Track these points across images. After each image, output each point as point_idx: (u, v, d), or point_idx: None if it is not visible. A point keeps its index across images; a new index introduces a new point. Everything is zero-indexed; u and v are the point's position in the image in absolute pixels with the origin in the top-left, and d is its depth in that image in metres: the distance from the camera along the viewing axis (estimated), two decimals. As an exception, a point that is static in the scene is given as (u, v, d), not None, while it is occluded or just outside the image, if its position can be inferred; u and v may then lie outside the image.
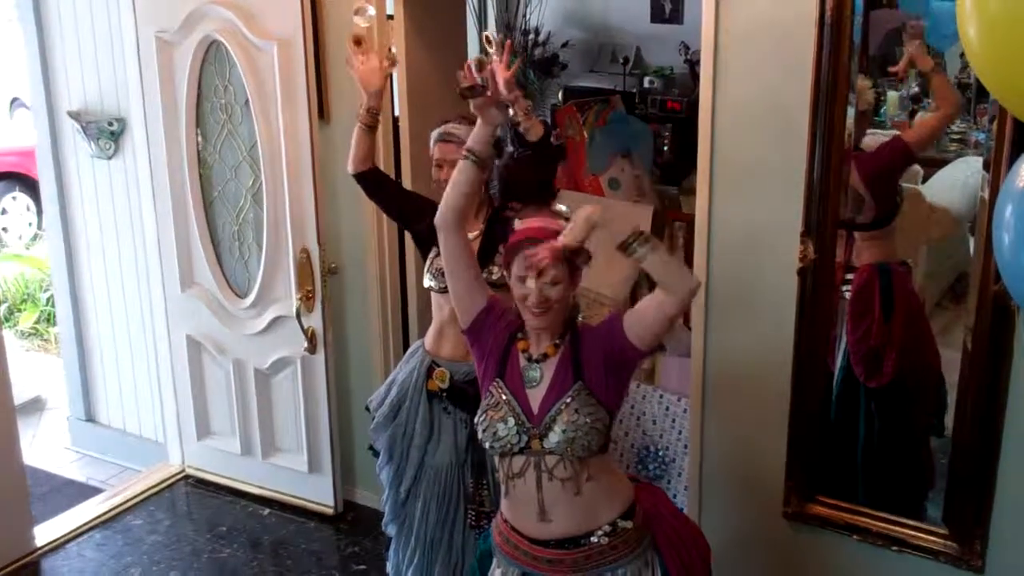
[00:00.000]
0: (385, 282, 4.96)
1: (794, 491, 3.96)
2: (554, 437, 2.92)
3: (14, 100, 11.97)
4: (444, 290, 3.77)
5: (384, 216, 4.67)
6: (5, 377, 4.82)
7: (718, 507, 4.19)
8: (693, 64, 7.58)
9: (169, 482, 5.60)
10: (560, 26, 8.50)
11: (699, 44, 3.86)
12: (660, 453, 4.97)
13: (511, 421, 2.97)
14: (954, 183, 5.66)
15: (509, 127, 3.84)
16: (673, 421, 4.95)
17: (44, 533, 5.12)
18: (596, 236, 3.03)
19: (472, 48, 7.22)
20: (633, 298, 5.66)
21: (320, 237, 4.80)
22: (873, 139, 5.75)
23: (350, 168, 3.94)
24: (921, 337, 4.17)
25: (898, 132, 5.79)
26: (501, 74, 2.99)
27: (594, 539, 2.98)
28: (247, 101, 4.84)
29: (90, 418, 6.12)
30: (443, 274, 3.72)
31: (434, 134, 3.87)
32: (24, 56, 5.73)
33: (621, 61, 8.06)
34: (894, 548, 3.78)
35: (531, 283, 2.91)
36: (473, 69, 3.02)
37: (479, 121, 2.99)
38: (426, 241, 3.90)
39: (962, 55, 6.66)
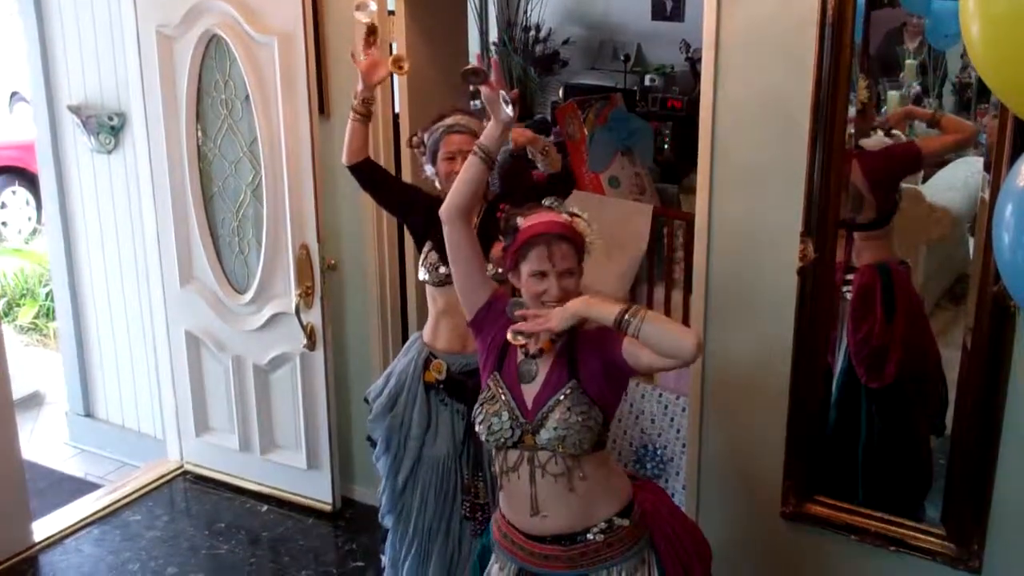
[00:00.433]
0: (384, 278, 4.95)
1: (792, 491, 3.96)
2: (546, 434, 2.92)
3: (14, 94, 11.96)
4: (438, 283, 3.81)
5: (384, 212, 4.68)
6: (4, 372, 4.81)
7: (716, 506, 4.19)
8: (694, 62, 7.60)
9: (167, 478, 5.59)
10: (561, 23, 8.52)
11: (700, 42, 3.85)
12: (658, 452, 4.97)
13: (505, 415, 2.98)
14: (954, 183, 5.66)
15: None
16: (671, 420, 4.95)
17: (42, 528, 5.11)
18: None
19: (473, 45, 7.23)
20: (633, 294, 5.67)
21: (320, 233, 4.80)
22: (876, 139, 5.75)
23: (344, 160, 3.94)
24: (922, 337, 4.17)
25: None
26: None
27: (590, 536, 2.99)
28: (247, 96, 4.83)
29: (89, 413, 6.12)
30: (437, 268, 3.75)
31: (439, 128, 3.85)
32: (24, 50, 5.72)
33: (622, 59, 8.08)
34: (892, 548, 3.78)
35: (552, 278, 2.91)
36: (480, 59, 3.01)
37: (492, 119, 2.96)
38: (421, 233, 3.93)
39: (963, 55, 6.67)
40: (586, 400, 2.94)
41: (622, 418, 5.11)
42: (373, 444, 4.09)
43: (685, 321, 5.16)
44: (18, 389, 5.77)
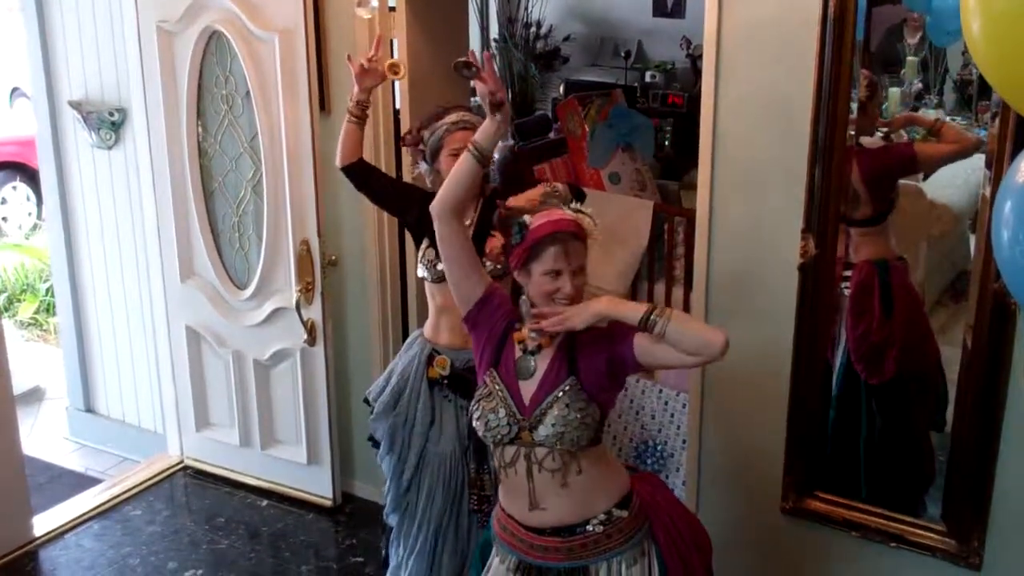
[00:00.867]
0: (385, 274, 4.96)
1: (792, 487, 3.96)
2: (543, 430, 2.93)
3: (15, 90, 11.96)
4: (436, 280, 3.81)
5: (384, 207, 4.69)
6: (4, 367, 4.81)
7: (716, 502, 4.19)
8: (695, 59, 7.61)
9: (168, 473, 5.60)
10: (562, 20, 8.52)
11: (701, 39, 3.85)
12: (659, 448, 4.97)
13: (502, 412, 2.98)
14: (955, 180, 5.66)
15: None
16: (672, 416, 4.95)
17: (43, 523, 5.11)
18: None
19: (474, 41, 7.22)
20: (633, 290, 5.67)
21: (320, 229, 4.80)
22: (877, 139, 5.75)
23: (338, 161, 3.95)
24: (921, 333, 4.18)
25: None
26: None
27: (589, 527, 3.00)
28: (248, 92, 4.83)
29: (89, 408, 6.12)
30: (435, 264, 3.74)
31: (442, 125, 3.84)
32: (25, 45, 5.72)
33: (623, 55, 8.08)
34: (892, 544, 3.78)
35: (567, 276, 2.91)
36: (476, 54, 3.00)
37: (488, 117, 2.93)
38: (418, 230, 3.93)
39: (963, 52, 6.67)
40: (584, 397, 2.94)
41: (622, 414, 5.11)
42: (375, 444, 4.09)
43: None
44: (18, 384, 5.78)
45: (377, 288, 4.97)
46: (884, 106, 6.53)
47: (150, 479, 5.53)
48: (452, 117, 3.83)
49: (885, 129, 4.46)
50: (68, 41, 5.52)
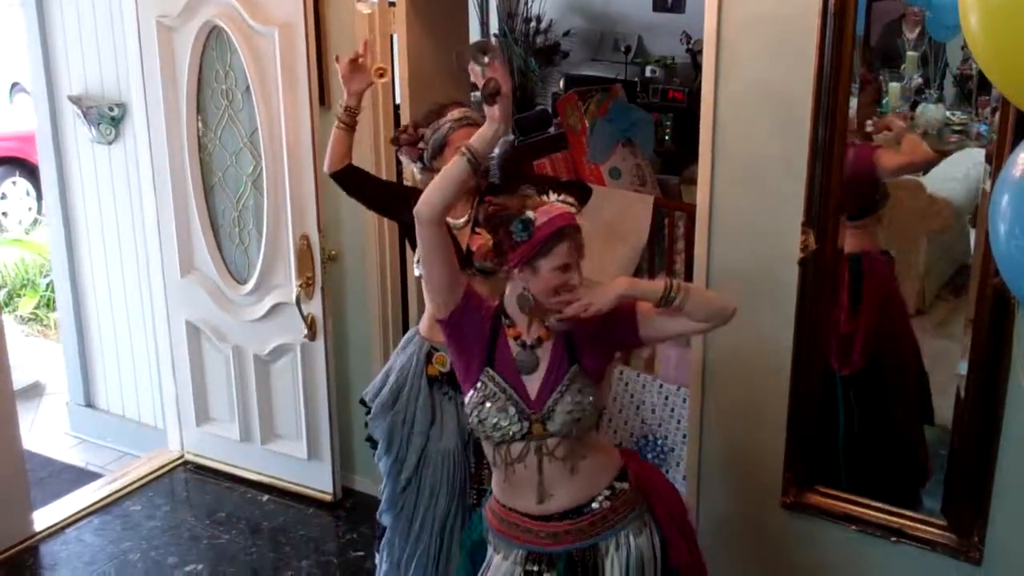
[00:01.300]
0: (385, 269, 4.96)
1: (793, 481, 3.96)
2: (558, 419, 2.95)
3: (14, 85, 11.94)
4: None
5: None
6: (5, 362, 4.82)
7: (717, 496, 4.20)
8: (695, 53, 7.60)
9: (168, 468, 5.60)
10: (562, 14, 8.51)
11: (701, 33, 3.85)
12: (659, 442, 4.98)
13: (511, 409, 2.97)
14: (955, 174, 5.65)
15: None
16: (672, 411, 4.96)
17: (43, 518, 5.12)
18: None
19: (474, 36, 7.21)
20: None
21: (320, 224, 4.80)
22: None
23: (326, 168, 3.90)
24: (897, 326, 4.20)
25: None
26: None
27: (595, 505, 3.04)
28: (248, 87, 4.83)
29: (89, 403, 6.12)
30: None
31: (445, 122, 3.81)
32: (25, 40, 5.72)
33: (623, 50, 8.07)
34: (892, 539, 3.78)
35: (575, 268, 2.93)
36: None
37: (487, 116, 2.88)
38: (411, 227, 3.86)
39: (963, 47, 6.66)
40: (589, 381, 2.98)
41: (623, 408, 5.12)
42: (373, 445, 4.07)
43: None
44: (19, 379, 5.78)
45: (377, 283, 4.97)
46: (884, 101, 6.54)
47: (150, 474, 5.54)
48: (455, 114, 3.80)
49: (870, 128, 4.47)
50: (68, 36, 5.51)
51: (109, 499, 5.32)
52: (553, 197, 2.99)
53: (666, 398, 5.00)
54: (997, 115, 3.29)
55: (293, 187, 4.80)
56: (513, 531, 3.08)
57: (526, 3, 8.32)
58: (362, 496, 5.25)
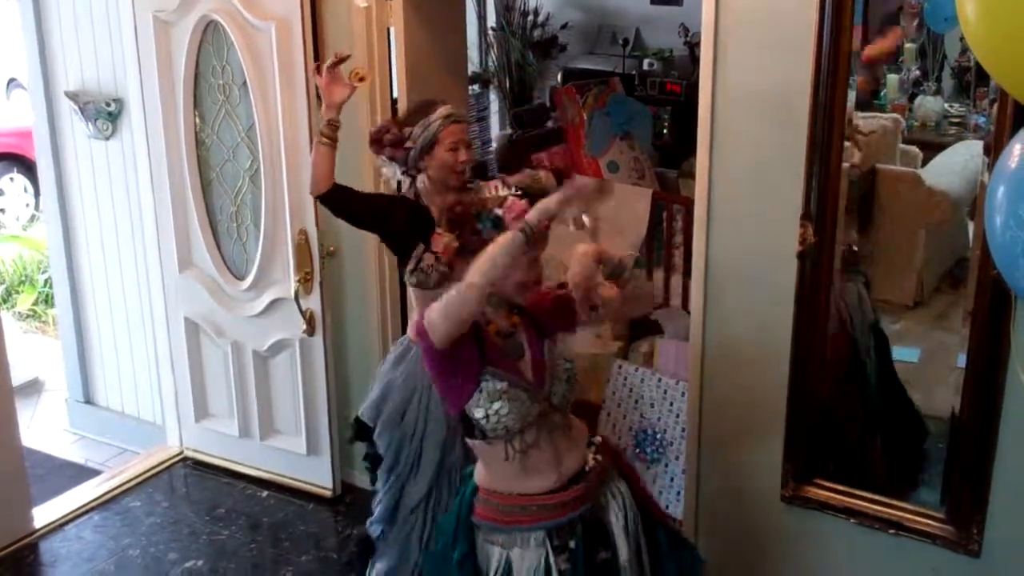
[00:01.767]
0: (383, 264, 4.94)
1: (792, 474, 3.96)
2: (559, 390, 3.12)
3: (11, 81, 11.92)
4: (437, 284, 3.61)
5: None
6: (3, 359, 4.81)
7: (716, 490, 4.20)
8: (693, 46, 7.59)
9: (167, 464, 5.60)
10: (559, 7, 8.49)
11: (699, 26, 3.84)
12: (658, 436, 4.98)
13: (523, 396, 3.03)
14: (953, 167, 5.65)
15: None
16: (671, 404, 4.95)
17: (42, 515, 5.12)
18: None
19: (472, 30, 7.20)
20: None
21: (318, 219, 4.79)
22: (871, 122, 5.75)
23: (313, 190, 3.80)
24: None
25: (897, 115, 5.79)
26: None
27: (591, 462, 3.19)
28: (245, 82, 4.82)
29: (88, 400, 6.12)
30: (435, 268, 3.61)
31: (435, 119, 3.78)
32: (21, 36, 5.71)
33: (620, 43, 8.06)
34: (891, 531, 3.78)
35: (540, 261, 3.07)
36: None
37: (555, 197, 2.94)
38: (405, 239, 3.74)
39: (961, 39, 6.65)
40: (558, 350, 3.20)
41: (621, 402, 5.11)
42: (371, 466, 4.00)
43: (685, 306, 5.17)
44: (17, 376, 5.77)
45: (376, 278, 4.96)
46: (882, 93, 6.53)
47: (150, 470, 5.53)
48: (443, 111, 3.76)
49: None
50: (64, 31, 5.50)
51: (109, 495, 5.32)
52: (505, 191, 3.08)
53: (665, 392, 4.99)
54: (995, 107, 3.28)
55: (291, 182, 4.79)
56: (527, 516, 3.12)
57: (524, -5, 8.32)
58: (362, 491, 5.24)
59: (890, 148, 5.78)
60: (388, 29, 4.72)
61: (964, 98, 6.64)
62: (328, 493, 5.25)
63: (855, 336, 4.41)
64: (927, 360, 4.85)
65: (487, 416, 3.00)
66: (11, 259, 8.44)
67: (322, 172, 3.77)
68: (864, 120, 5.49)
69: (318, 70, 3.86)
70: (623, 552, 3.18)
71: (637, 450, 5.02)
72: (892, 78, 6.43)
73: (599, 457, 3.21)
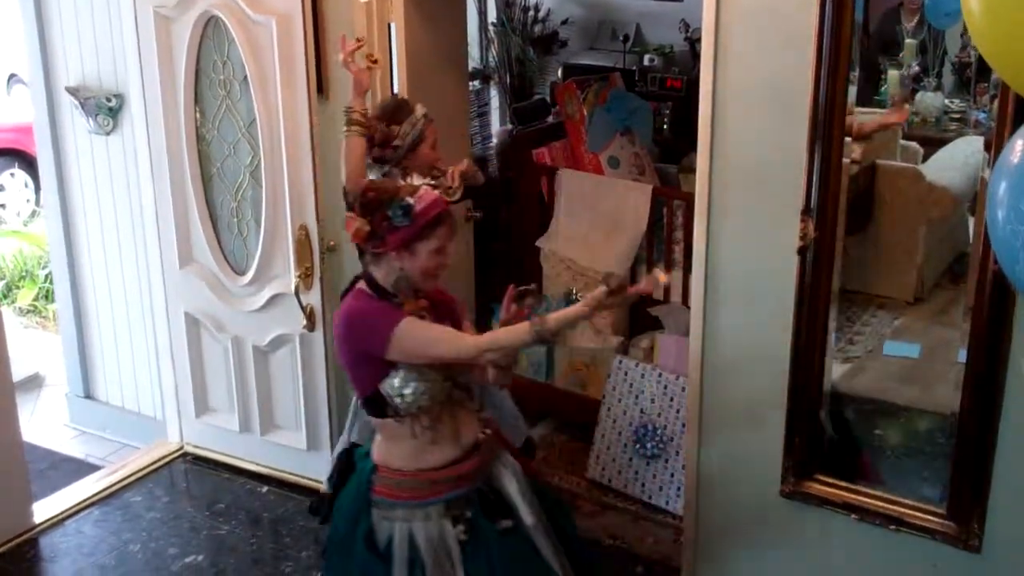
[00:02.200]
0: (384, 259, 4.95)
1: (792, 470, 3.97)
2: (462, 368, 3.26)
3: (12, 76, 11.90)
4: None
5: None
6: (4, 354, 4.81)
7: (716, 485, 4.20)
8: (693, 42, 7.58)
9: (168, 459, 5.59)
10: (560, 3, 8.48)
11: (699, 22, 3.84)
12: (658, 432, 4.98)
13: (436, 376, 3.17)
14: (954, 162, 5.66)
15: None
16: (671, 400, 4.96)
17: (43, 510, 5.12)
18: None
19: (472, 26, 7.20)
20: (632, 274, 5.66)
21: (319, 214, 4.79)
22: (871, 118, 5.75)
23: (350, 185, 3.82)
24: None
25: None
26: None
27: (481, 435, 3.35)
28: (246, 77, 4.82)
29: (89, 395, 6.12)
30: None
31: (419, 117, 3.83)
32: (22, 31, 5.70)
33: (621, 39, 8.05)
34: (892, 527, 3.79)
35: (449, 250, 3.16)
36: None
37: (583, 304, 3.07)
38: None
39: (962, 35, 6.67)
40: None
41: (622, 398, 5.12)
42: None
43: (685, 301, 5.16)
44: (18, 371, 5.77)
45: (376, 273, 4.96)
46: (883, 88, 6.53)
47: (150, 465, 5.53)
48: (421, 108, 3.82)
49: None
50: (65, 27, 5.50)
51: (109, 490, 5.32)
52: (419, 181, 3.19)
53: (665, 387, 5.00)
54: (996, 102, 3.28)
55: (291, 177, 4.79)
56: (427, 490, 3.24)
57: (525, -9, 8.30)
58: (362, 486, 5.25)
59: (890, 144, 5.79)
60: (389, 25, 4.72)
61: (964, 94, 6.64)
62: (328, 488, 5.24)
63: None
64: (927, 356, 4.85)
65: (403, 396, 3.12)
66: (11, 254, 8.44)
67: (355, 168, 3.85)
68: (864, 116, 5.50)
69: (350, 58, 3.90)
70: (527, 517, 3.31)
71: (637, 446, 5.03)
72: (893, 74, 6.43)
73: (488, 430, 3.38)
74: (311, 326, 4.91)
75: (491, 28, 8.12)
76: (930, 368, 4.74)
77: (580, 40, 8.54)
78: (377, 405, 3.18)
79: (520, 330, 3.07)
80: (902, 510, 3.79)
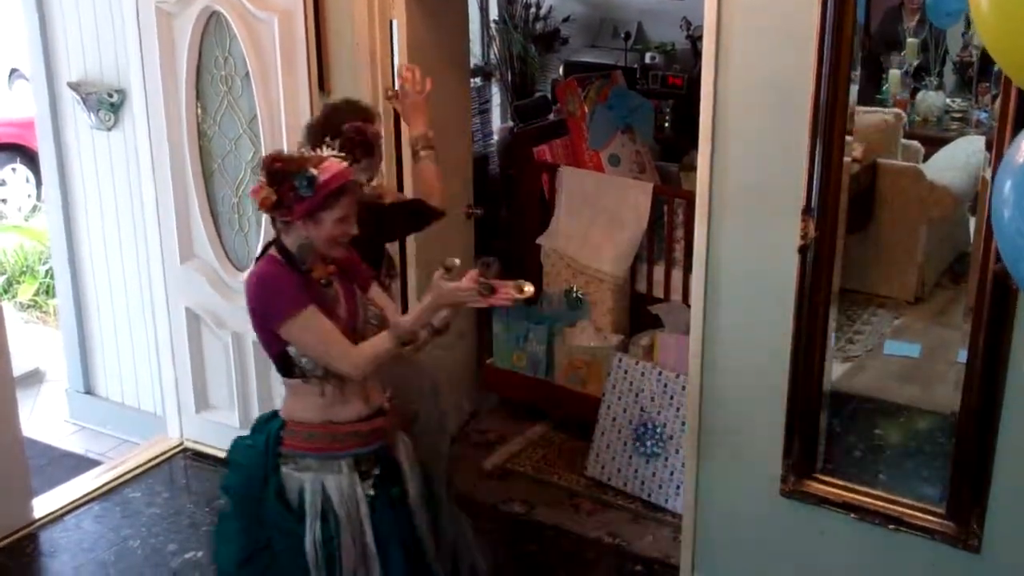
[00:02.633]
0: (384, 257, 4.95)
1: (792, 469, 3.97)
2: (370, 334, 3.34)
3: (13, 71, 11.89)
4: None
5: (383, 190, 4.71)
6: (4, 349, 4.82)
7: (716, 484, 4.20)
8: (695, 40, 7.58)
9: (168, 455, 5.59)
10: (561, 0, 8.48)
11: (701, 19, 3.85)
12: (658, 430, 4.98)
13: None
14: (955, 162, 5.66)
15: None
16: (671, 398, 4.95)
17: (42, 505, 5.12)
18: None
19: (474, 23, 7.19)
20: (632, 272, 5.67)
21: (319, 211, 4.79)
22: (872, 117, 5.75)
23: (444, 205, 4.00)
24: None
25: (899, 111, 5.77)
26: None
27: (386, 404, 3.48)
28: (247, 73, 4.82)
29: (89, 390, 6.12)
30: None
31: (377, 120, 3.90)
32: (24, 27, 5.70)
33: (622, 36, 8.05)
34: (891, 527, 3.79)
35: (352, 219, 3.24)
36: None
37: (431, 303, 3.21)
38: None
39: (963, 34, 6.67)
40: (366, 298, 3.45)
41: (622, 395, 5.12)
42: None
43: (685, 299, 5.17)
44: (18, 366, 5.76)
45: (376, 270, 4.96)
46: (884, 87, 6.53)
47: (150, 461, 5.54)
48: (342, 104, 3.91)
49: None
50: (67, 22, 5.49)
51: (109, 486, 5.32)
52: (327, 152, 3.24)
53: (665, 385, 5.00)
54: (997, 102, 3.28)
55: (292, 174, 4.78)
56: (337, 443, 3.35)
57: (526, -12, 8.30)
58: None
59: (892, 143, 5.79)
60: (391, 22, 4.72)
61: (966, 93, 6.65)
62: (328, 485, 5.24)
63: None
64: (927, 356, 4.86)
65: (308, 359, 3.25)
66: (12, 249, 8.43)
67: (432, 187, 3.99)
68: (868, 114, 5.50)
69: (396, 96, 4.06)
70: (412, 490, 3.49)
71: (637, 444, 5.03)
72: (894, 73, 6.44)
73: (391, 403, 3.49)
74: (311, 323, 4.90)
75: (493, 25, 8.13)
76: (930, 368, 4.74)
77: (581, 37, 8.54)
78: (285, 365, 3.31)
79: (384, 339, 3.24)
80: (901, 510, 3.79)
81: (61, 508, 5.13)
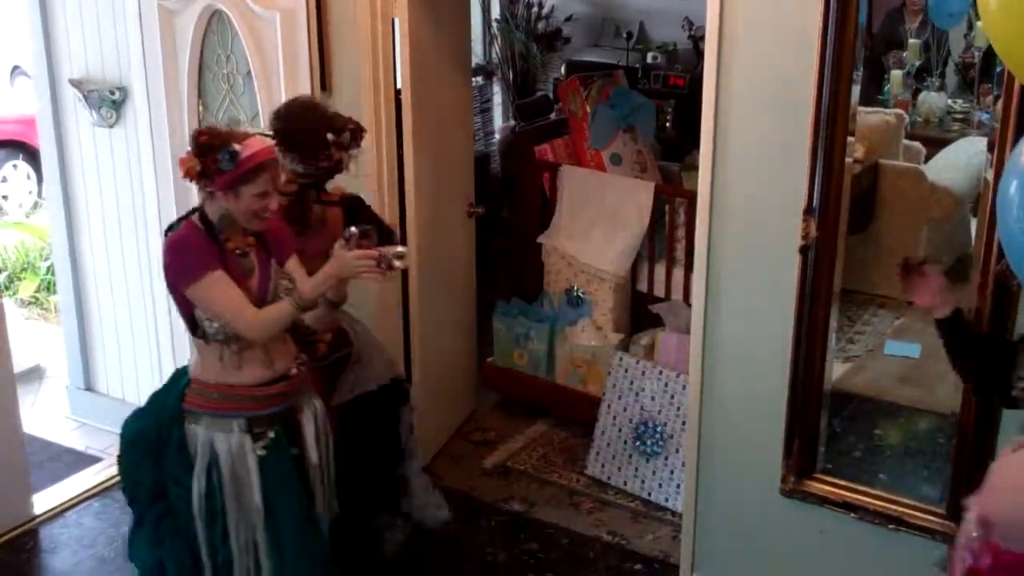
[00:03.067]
0: (385, 253, 4.94)
1: (792, 468, 3.97)
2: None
3: (15, 68, 11.90)
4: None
5: (385, 186, 4.78)
6: (5, 345, 4.82)
7: (716, 484, 4.20)
8: (697, 40, 7.59)
9: (168, 452, 5.59)
10: (563, 0, 8.48)
11: (703, 19, 3.85)
12: (658, 429, 4.98)
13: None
14: (956, 163, 5.66)
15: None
16: (672, 397, 4.96)
17: (43, 501, 5.13)
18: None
19: (476, 22, 7.19)
20: (634, 272, 5.67)
21: (321, 209, 4.79)
22: (874, 117, 5.76)
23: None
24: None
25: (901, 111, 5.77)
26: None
27: (294, 371, 3.58)
28: (249, 71, 4.83)
29: (89, 387, 6.12)
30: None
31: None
32: (26, 24, 5.70)
33: (624, 36, 8.06)
34: (892, 527, 3.79)
35: (273, 195, 3.37)
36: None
37: (330, 270, 3.37)
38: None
39: (965, 35, 6.67)
40: (282, 271, 3.55)
41: (622, 395, 5.12)
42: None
43: (686, 299, 5.17)
44: (19, 363, 5.77)
45: (377, 268, 4.96)
46: (886, 88, 6.53)
47: (150, 458, 5.53)
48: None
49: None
50: (69, 19, 5.49)
51: (109, 482, 5.31)
52: (254, 130, 3.41)
53: (666, 385, 5.00)
54: (999, 103, 3.28)
55: (294, 172, 4.79)
56: (231, 404, 3.49)
57: (528, -13, 8.30)
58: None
59: (893, 144, 5.79)
60: (393, 20, 4.72)
61: (968, 94, 6.65)
62: (328, 482, 5.24)
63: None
64: (928, 356, 4.85)
65: (210, 322, 3.41)
66: (13, 246, 8.43)
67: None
68: (871, 115, 5.50)
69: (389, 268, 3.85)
70: (312, 455, 3.64)
71: (638, 443, 5.03)
72: (896, 73, 6.44)
73: (303, 368, 3.62)
74: (312, 320, 4.91)
75: (494, 24, 8.13)
76: (931, 368, 4.74)
77: (583, 37, 8.55)
78: (192, 326, 3.48)
79: (283, 305, 3.39)
80: (902, 510, 3.79)
81: (61, 504, 5.14)
